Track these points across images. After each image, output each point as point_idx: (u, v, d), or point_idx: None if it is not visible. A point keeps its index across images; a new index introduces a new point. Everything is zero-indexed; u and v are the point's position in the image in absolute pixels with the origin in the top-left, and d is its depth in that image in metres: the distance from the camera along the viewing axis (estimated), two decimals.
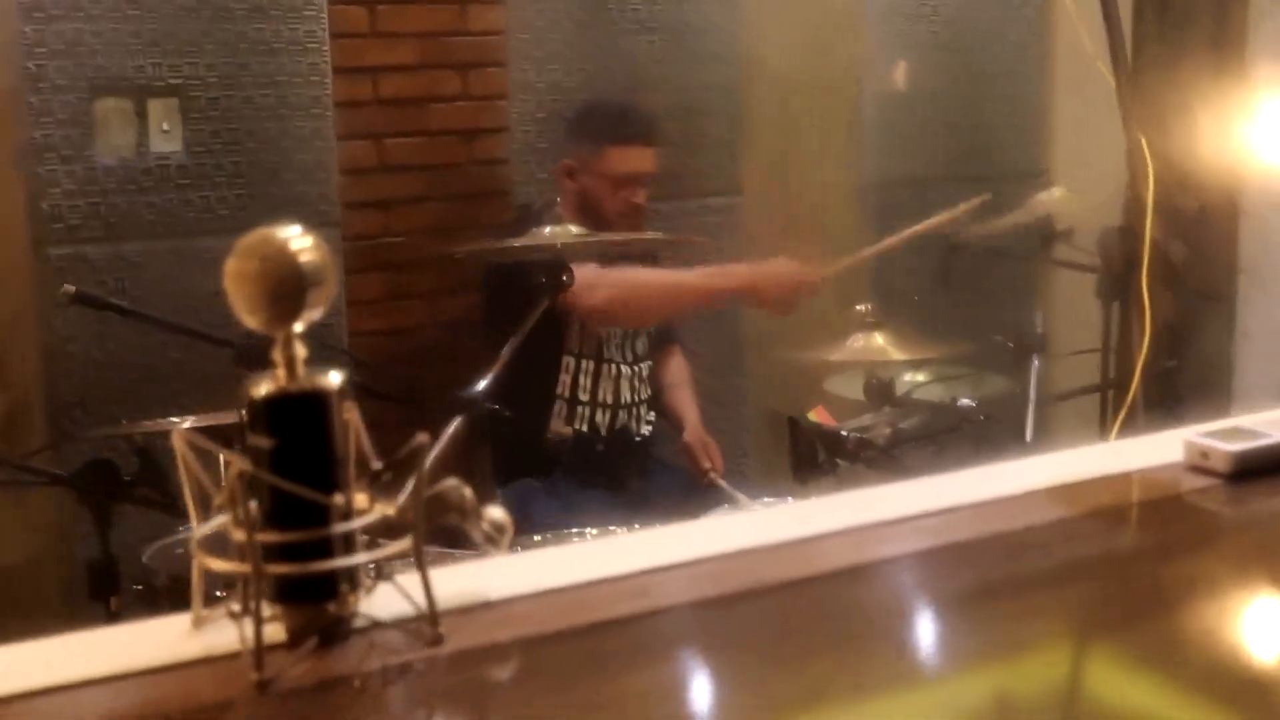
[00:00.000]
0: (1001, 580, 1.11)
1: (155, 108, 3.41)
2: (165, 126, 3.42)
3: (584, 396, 3.27)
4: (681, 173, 3.85)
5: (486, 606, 1.01)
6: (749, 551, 1.11)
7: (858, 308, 2.81)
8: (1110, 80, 1.75)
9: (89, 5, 3.28)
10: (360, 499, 0.95)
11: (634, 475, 3.14)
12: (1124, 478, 1.33)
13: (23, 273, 3.33)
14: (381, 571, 0.97)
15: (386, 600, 0.98)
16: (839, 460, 2.57)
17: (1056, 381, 3.73)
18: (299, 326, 0.92)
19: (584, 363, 3.27)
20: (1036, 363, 2.89)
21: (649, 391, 3.42)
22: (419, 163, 3.74)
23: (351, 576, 0.93)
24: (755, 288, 3.12)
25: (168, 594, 2.74)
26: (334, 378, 0.93)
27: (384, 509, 0.95)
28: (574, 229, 2.55)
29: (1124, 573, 1.16)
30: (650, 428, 3.45)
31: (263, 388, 0.91)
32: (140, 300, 3.38)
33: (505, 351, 2.27)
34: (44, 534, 3.24)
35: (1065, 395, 3.28)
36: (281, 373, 0.92)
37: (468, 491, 0.97)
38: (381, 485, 0.96)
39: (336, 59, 3.57)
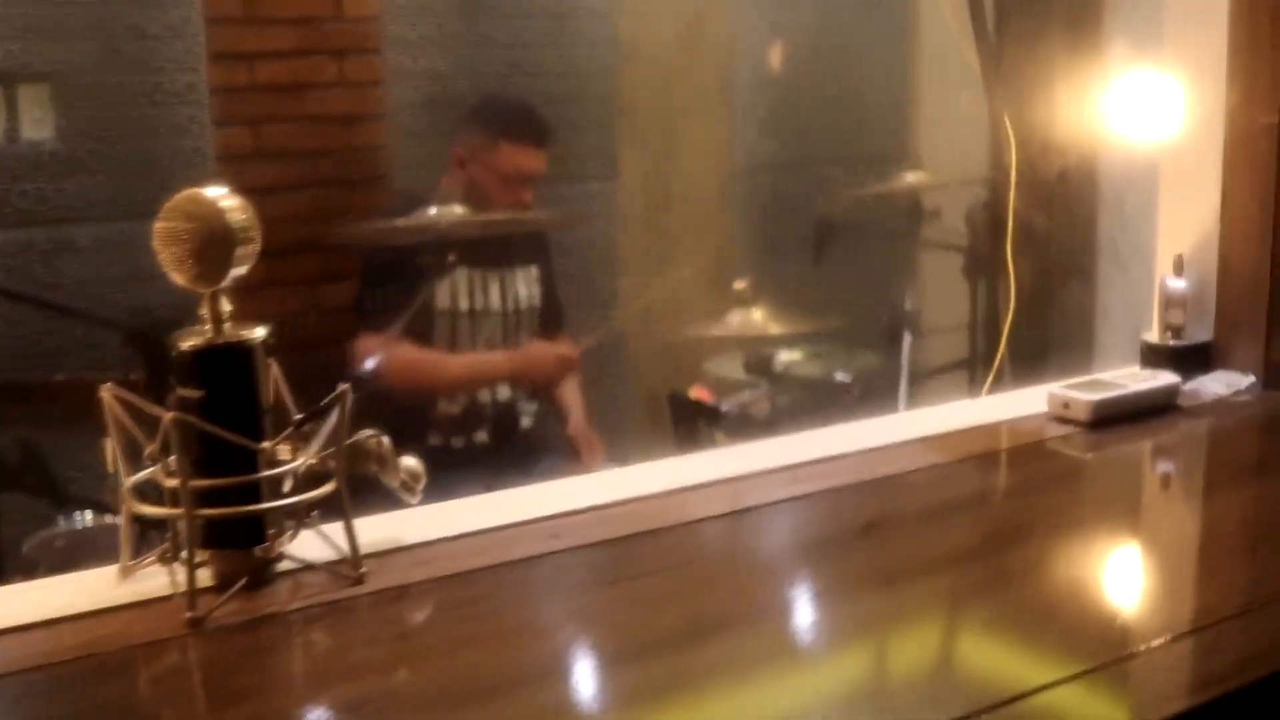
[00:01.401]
0: (886, 518, 1.19)
1: (26, 94, 3.36)
2: (36, 113, 3.37)
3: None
4: (559, 157, 3.90)
5: (403, 550, 1.06)
6: (657, 495, 1.18)
7: (735, 284, 2.90)
8: (973, 60, 1.85)
9: None
10: (283, 448, 1.00)
11: (514, 462, 3.19)
12: (994, 427, 1.43)
13: None
14: (302, 519, 1.02)
15: (308, 546, 1.03)
16: (720, 434, 2.65)
17: (927, 357, 3.85)
18: (226, 283, 0.96)
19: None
20: (908, 339, 3.00)
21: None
22: (296, 149, 3.72)
23: (277, 521, 0.98)
24: (520, 374, 3.25)
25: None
26: (259, 331, 0.97)
27: (306, 458, 1.00)
28: (459, 209, 2.58)
29: (992, 510, 1.25)
30: (531, 420, 3.49)
31: (190, 340, 0.96)
32: (15, 289, 3.34)
33: (392, 333, 2.29)
34: None
35: (934, 370, 3.41)
36: (209, 327, 0.96)
37: (385, 441, 1.02)
38: (302, 438, 1.01)
39: (211, 44, 3.54)
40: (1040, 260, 2.77)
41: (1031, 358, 2.89)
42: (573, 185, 4.09)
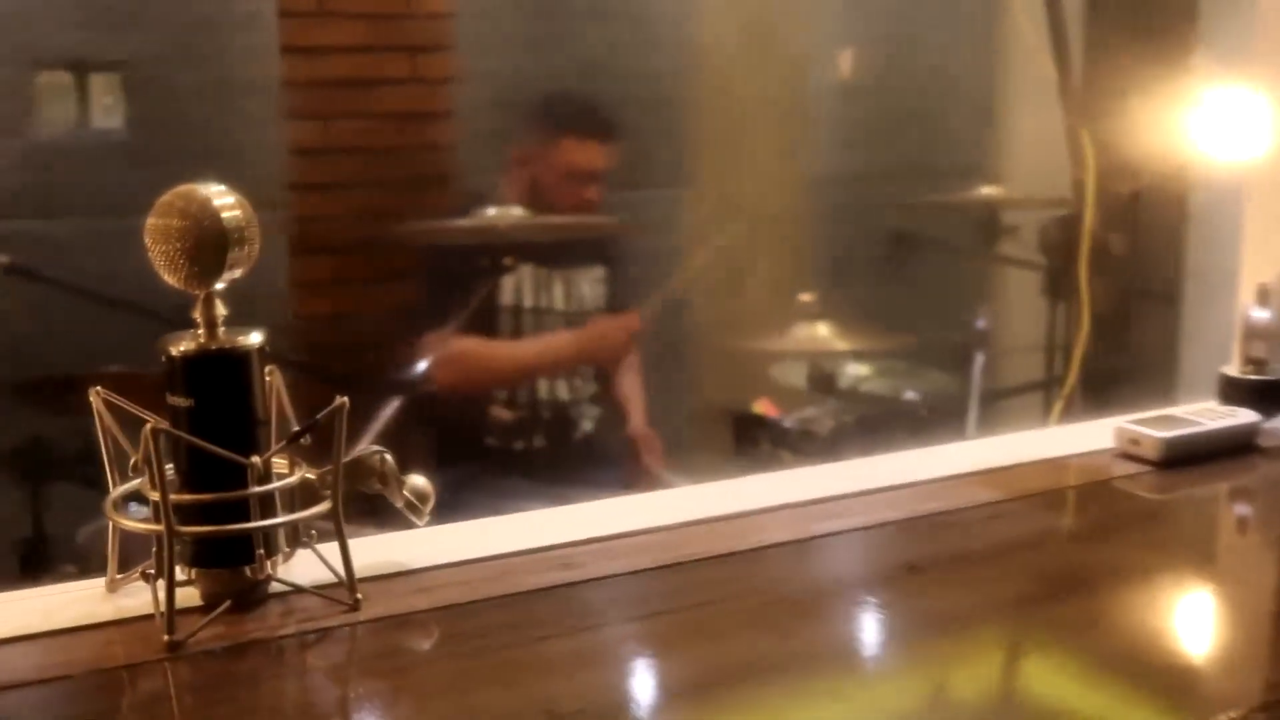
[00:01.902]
0: (930, 559, 1.11)
1: (97, 82, 3.35)
2: (107, 101, 3.37)
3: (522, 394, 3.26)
4: (630, 162, 3.84)
5: (407, 575, 0.99)
6: (680, 526, 1.10)
7: (801, 297, 2.81)
8: (1052, 69, 1.76)
9: None
10: (280, 462, 0.94)
11: (573, 466, 3.14)
12: (1055, 463, 1.33)
13: None
14: (301, 538, 0.95)
15: (306, 567, 0.96)
16: (781, 452, 2.57)
17: (1003, 378, 3.73)
18: (220, 285, 0.90)
19: None
20: (979, 358, 2.89)
21: (593, 388, 3.41)
22: (366, 145, 3.69)
23: (268, 541, 0.91)
24: (586, 352, 3.21)
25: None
26: (254, 337, 0.91)
27: (304, 473, 0.94)
28: (517, 211, 2.52)
29: (1051, 556, 1.16)
30: (593, 424, 3.44)
31: (181, 345, 0.90)
32: (78, 279, 3.33)
33: (442, 336, 2.24)
34: None
35: (1007, 392, 3.29)
36: (201, 331, 0.90)
37: (388, 458, 0.96)
38: (308, 452, 0.95)
39: (284, 38, 3.52)
40: (1122, 283, 2.65)
41: (1110, 385, 2.77)
42: (643, 191, 4.02)
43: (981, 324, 2.94)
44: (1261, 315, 1.45)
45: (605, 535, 1.05)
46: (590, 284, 3.43)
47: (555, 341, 3.24)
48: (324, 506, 0.91)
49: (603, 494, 3.25)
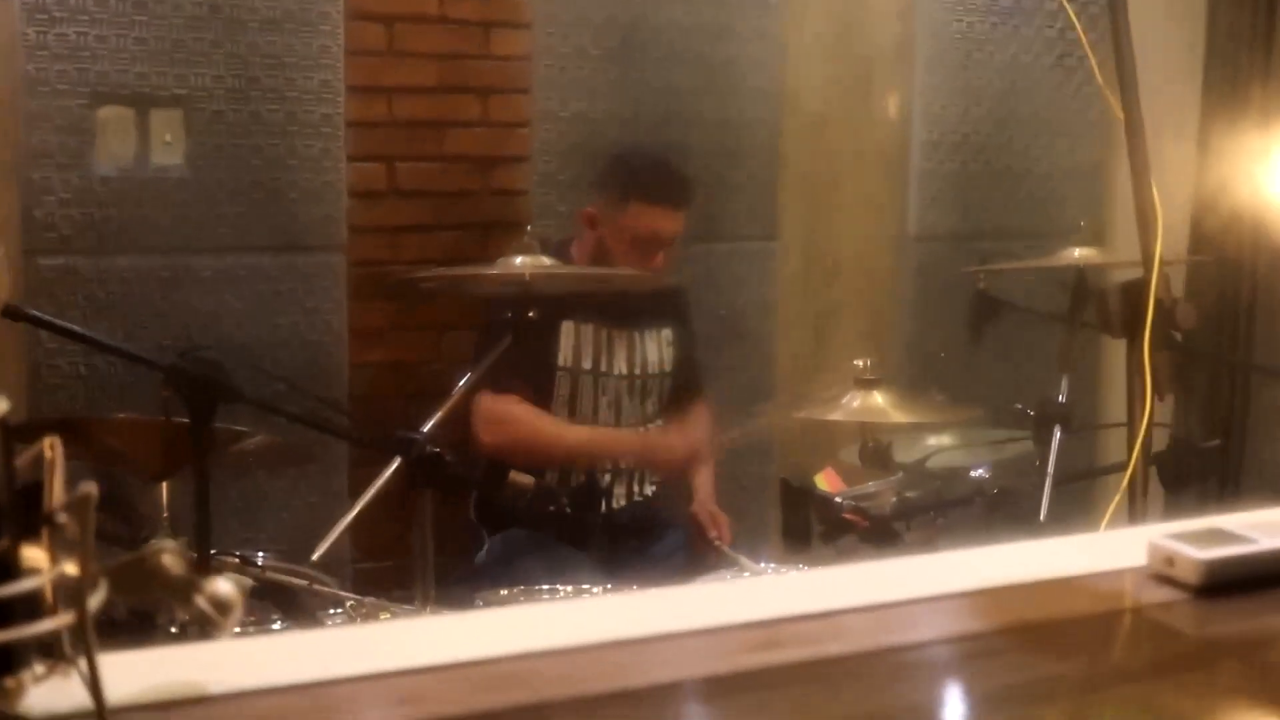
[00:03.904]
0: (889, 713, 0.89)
1: (158, 118, 3.26)
2: (168, 138, 3.28)
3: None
4: (713, 213, 3.65)
5: (198, 703, 0.80)
6: (542, 654, 0.89)
7: (855, 363, 2.57)
8: (1117, 110, 1.53)
9: (94, 9, 3.14)
10: (34, 555, 0.76)
11: (608, 537, 2.95)
12: (1071, 584, 1.09)
13: (12, 282, 3.20)
14: (59, 656, 0.77)
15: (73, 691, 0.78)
16: (831, 531, 2.34)
17: (1096, 456, 3.46)
18: None
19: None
20: (1059, 434, 2.63)
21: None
22: (432, 189, 3.57)
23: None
24: (642, 460, 3.11)
25: (126, 627, 2.58)
26: None
27: (66, 568, 0.76)
28: (546, 260, 2.36)
29: (1050, 709, 0.93)
30: (654, 488, 3.25)
31: None
32: (131, 318, 3.25)
33: (456, 392, 2.08)
34: None
35: (1091, 472, 3.02)
36: None
37: (171, 558, 0.77)
38: (66, 545, 0.77)
39: (350, 77, 3.41)
40: (1194, 357, 2.38)
41: (1205, 472, 2.49)
42: (728, 244, 3.84)
43: (1062, 397, 2.68)
44: None
45: (450, 663, 0.84)
46: (657, 346, 3.25)
47: (612, 437, 3.11)
48: (62, 619, 0.73)
49: (663, 567, 3.03)
